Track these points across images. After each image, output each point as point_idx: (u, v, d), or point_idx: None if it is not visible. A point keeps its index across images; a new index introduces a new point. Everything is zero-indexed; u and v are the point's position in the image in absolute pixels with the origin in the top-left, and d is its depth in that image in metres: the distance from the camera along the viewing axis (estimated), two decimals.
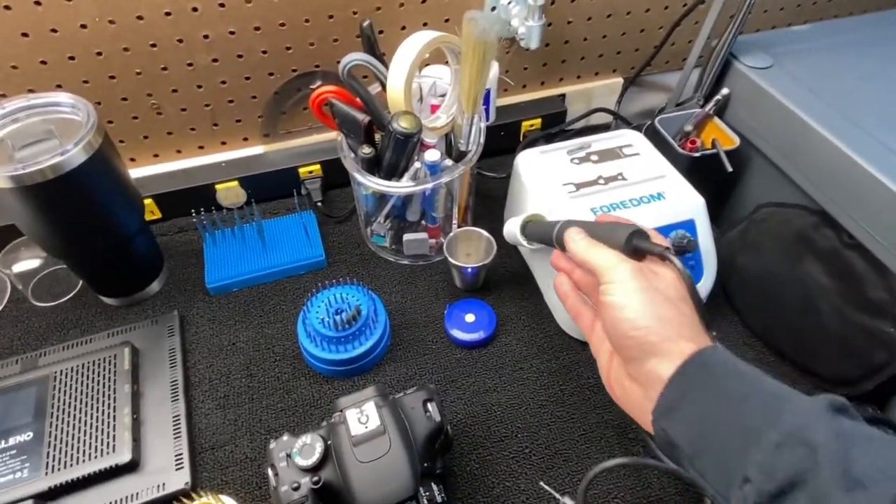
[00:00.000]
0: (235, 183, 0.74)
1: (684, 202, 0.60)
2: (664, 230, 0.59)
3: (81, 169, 0.52)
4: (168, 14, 0.62)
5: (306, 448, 0.43)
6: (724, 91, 0.70)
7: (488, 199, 0.78)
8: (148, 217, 0.73)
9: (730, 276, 0.65)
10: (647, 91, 0.90)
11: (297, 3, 0.66)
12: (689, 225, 0.60)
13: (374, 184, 0.60)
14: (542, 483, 0.51)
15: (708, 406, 0.33)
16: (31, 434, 0.53)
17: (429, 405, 0.47)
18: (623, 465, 0.50)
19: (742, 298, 0.65)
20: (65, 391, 0.56)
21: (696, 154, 0.68)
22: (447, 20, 0.73)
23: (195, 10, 0.63)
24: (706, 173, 0.67)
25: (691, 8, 0.72)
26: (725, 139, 0.69)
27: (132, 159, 0.74)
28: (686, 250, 0.58)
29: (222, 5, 0.63)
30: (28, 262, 0.68)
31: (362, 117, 0.58)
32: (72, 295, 0.68)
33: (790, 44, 0.71)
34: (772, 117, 0.65)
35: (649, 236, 0.42)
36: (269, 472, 0.44)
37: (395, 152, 0.59)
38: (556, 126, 0.84)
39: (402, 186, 0.60)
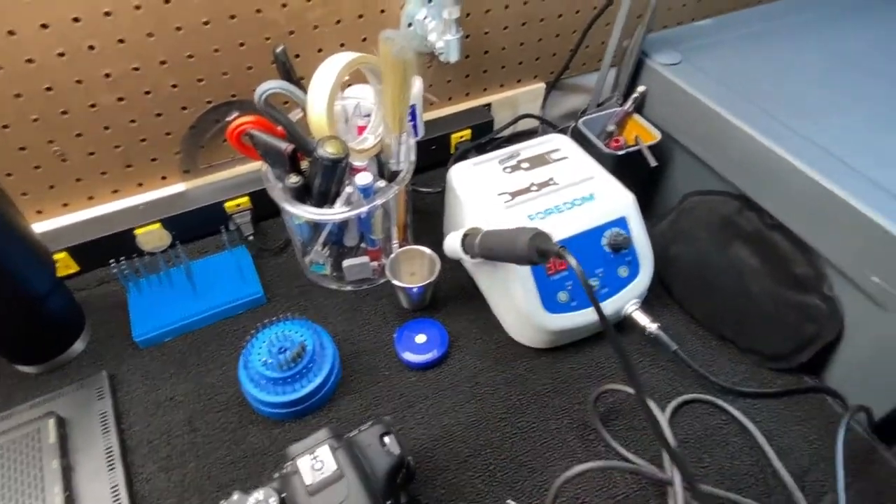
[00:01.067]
0: (157, 225, 0.70)
1: (615, 201, 0.62)
2: (598, 230, 0.60)
3: None
4: (62, 55, 0.58)
5: None
6: (641, 88, 0.72)
7: (427, 215, 0.77)
8: (63, 272, 0.68)
9: (666, 267, 0.67)
10: (569, 94, 0.92)
11: (204, 33, 0.63)
12: (622, 222, 0.61)
13: (306, 213, 0.58)
14: (509, 501, 0.50)
15: None
16: None
17: (386, 439, 0.45)
18: (586, 470, 0.50)
19: (680, 287, 0.67)
20: None
21: (621, 152, 0.69)
22: (364, 39, 0.72)
23: (91, 48, 0.59)
24: (633, 169, 0.69)
25: (601, 11, 0.74)
26: (647, 135, 0.72)
27: (39, 212, 0.69)
28: (621, 247, 0.60)
29: (122, 41, 0.60)
30: None
31: (285, 146, 0.56)
32: None
33: (696, 39, 0.74)
34: (686, 110, 0.68)
35: (550, 238, 0.44)
36: None
37: (323, 179, 0.57)
38: (485, 136, 0.84)
39: (334, 213, 0.58)
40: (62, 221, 0.69)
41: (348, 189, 0.59)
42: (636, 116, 0.74)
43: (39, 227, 0.68)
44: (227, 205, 0.72)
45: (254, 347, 0.58)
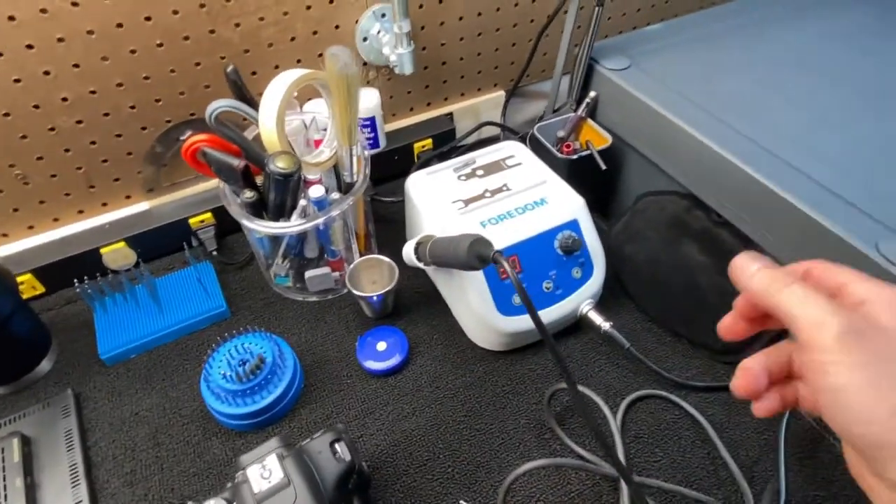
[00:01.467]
0: (122, 244, 0.71)
1: (565, 204, 0.63)
2: (550, 233, 0.61)
3: None
4: (17, 81, 0.59)
5: None
6: (592, 94, 0.74)
7: (391, 224, 0.79)
8: (29, 293, 0.69)
9: (622, 267, 0.69)
10: (531, 100, 0.94)
11: (158, 54, 0.64)
12: (573, 225, 0.63)
13: (262, 227, 0.59)
14: (461, 501, 0.51)
15: None
16: None
17: (337, 446, 0.46)
18: (534, 468, 0.51)
19: (634, 286, 0.68)
20: None
21: (574, 157, 0.71)
22: (320, 55, 0.73)
23: (47, 73, 0.60)
24: (587, 173, 0.71)
25: (550, 19, 0.76)
26: (599, 139, 0.73)
27: (4, 235, 0.70)
28: (573, 249, 0.61)
29: (77, 66, 0.61)
30: None
31: (237, 163, 0.57)
32: None
33: (644, 44, 0.76)
34: (634, 114, 0.70)
35: (489, 243, 0.45)
36: None
37: (277, 193, 0.58)
38: (447, 144, 0.86)
39: (289, 226, 0.60)
40: (29, 243, 0.70)
41: (302, 202, 0.61)
42: (589, 121, 0.76)
43: (5, 250, 0.69)
44: (191, 221, 0.73)
45: (214, 361, 0.59)
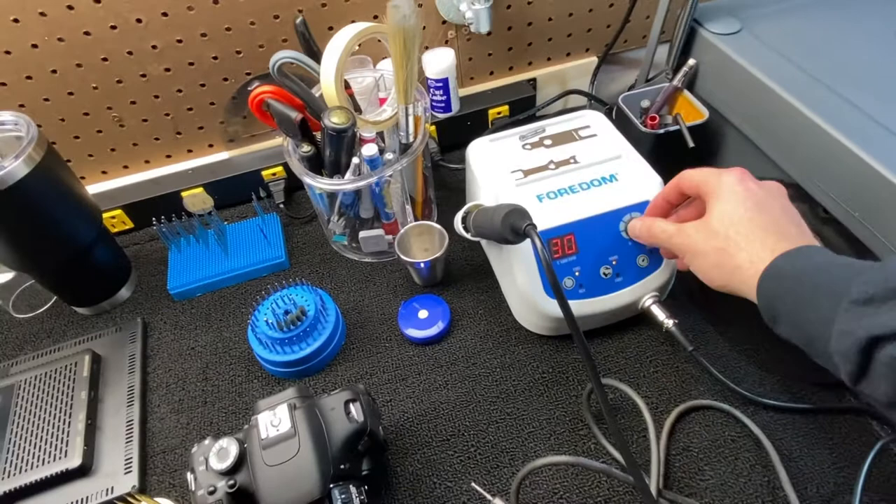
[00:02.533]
0: (200, 189, 0.75)
1: (640, 183, 0.57)
2: (616, 213, 0.55)
3: (24, 182, 0.54)
4: (114, 27, 0.64)
5: (222, 451, 0.43)
6: (691, 62, 0.65)
7: (456, 192, 0.76)
8: (119, 227, 0.75)
9: None
10: (625, 69, 0.86)
11: (240, 6, 0.66)
12: (645, 207, 0.56)
13: (314, 182, 0.59)
14: (473, 483, 0.49)
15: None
16: None
17: (351, 406, 0.46)
18: (551, 464, 0.47)
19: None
20: (27, 399, 0.58)
21: (661, 131, 0.63)
22: None
23: (139, 21, 0.64)
24: (674, 150, 0.63)
25: None
26: (694, 113, 0.65)
27: (104, 172, 0.77)
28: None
29: (165, 14, 0.64)
30: (8, 275, 0.71)
31: (295, 115, 0.57)
32: (48, 306, 0.70)
33: (760, 6, 0.65)
34: (738, 86, 0.60)
35: (525, 214, 0.43)
36: (189, 476, 0.44)
37: (332, 148, 0.58)
38: (525, 112, 0.81)
39: (341, 183, 0.59)
40: (123, 182, 0.77)
41: (356, 160, 0.60)
42: (686, 93, 0.67)
43: (104, 186, 0.76)
44: (263, 173, 0.76)
45: (262, 308, 0.60)
